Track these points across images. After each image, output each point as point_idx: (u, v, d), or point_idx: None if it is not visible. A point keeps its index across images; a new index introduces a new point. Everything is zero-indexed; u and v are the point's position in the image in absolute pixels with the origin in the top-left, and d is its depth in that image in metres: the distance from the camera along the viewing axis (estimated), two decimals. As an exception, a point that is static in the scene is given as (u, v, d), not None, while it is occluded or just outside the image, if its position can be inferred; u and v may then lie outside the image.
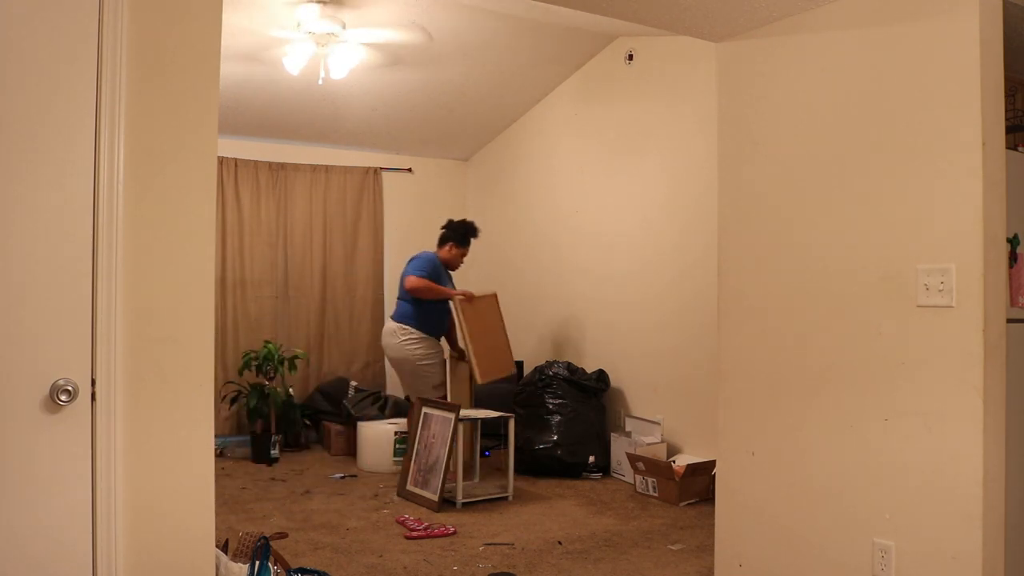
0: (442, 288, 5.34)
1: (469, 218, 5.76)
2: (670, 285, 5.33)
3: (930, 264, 2.47)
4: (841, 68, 2.78)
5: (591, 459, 5.43)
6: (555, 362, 5.80)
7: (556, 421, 5.44)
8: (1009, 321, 2.49)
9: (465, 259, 5.64)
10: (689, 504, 4.73)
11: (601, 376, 5.72)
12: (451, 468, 4.74)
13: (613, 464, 5.59)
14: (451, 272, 5.58)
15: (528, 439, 5.43)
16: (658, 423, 5.37)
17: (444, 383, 5.40)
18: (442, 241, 5.59)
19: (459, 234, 5.56)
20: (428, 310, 5.36)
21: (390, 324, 5.49)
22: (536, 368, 5.80)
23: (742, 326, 3.14)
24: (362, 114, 6.44)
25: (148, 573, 2.05)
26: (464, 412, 5.06)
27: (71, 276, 1.93)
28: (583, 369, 5.80)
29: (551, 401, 5.50)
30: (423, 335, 5.35)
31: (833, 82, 2.80)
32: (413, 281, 5.28)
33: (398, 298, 5.53)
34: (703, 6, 2.88)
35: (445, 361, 5.43)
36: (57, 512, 1.92)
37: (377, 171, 7.21)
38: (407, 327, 5.35)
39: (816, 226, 2.85)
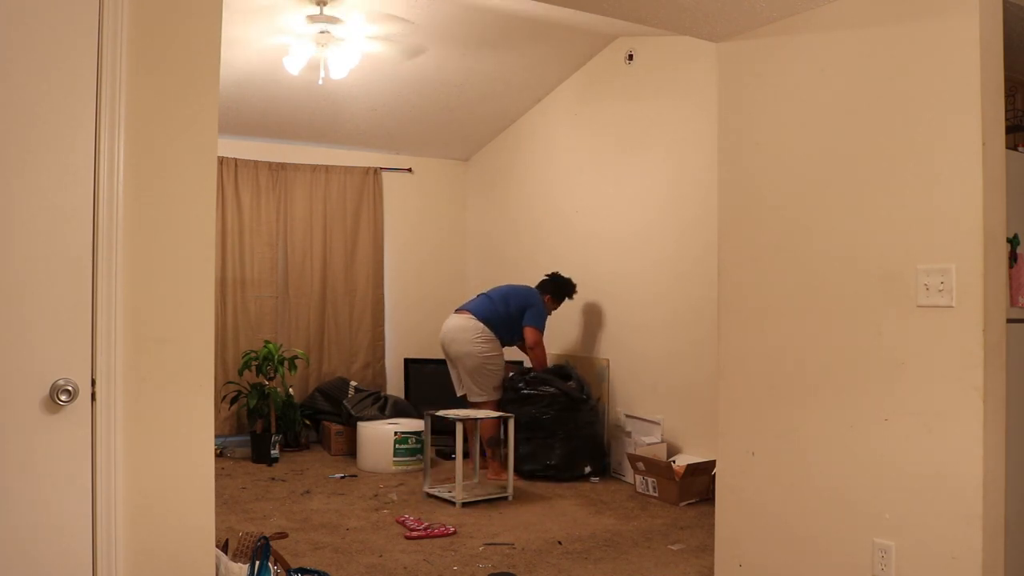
0: (544, 361, 5.68)
1: (564, 274, 5.85)
2: (670, 285, 5.33)
3: (930, 264, 2.47)
4: (841, 68, 2.78)
5: (587, 469, 5.43)
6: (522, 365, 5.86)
7: (545, 442, 5.39)
8: (1009, 321, 2.49)
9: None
10: (689, 504, 4.73)
11: (563, 372, 5.73)
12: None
13: (613, 464, 5.59)
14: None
15: (519, 460, 5.33)
16: (658, 423, 5.37)
17: (502, 386, 5.57)
18: (542, 288, 5.76)
19: (558, 290, 5.75)
20: (512, 325, 5.59)
21: (468, 320, 5.51)
22: (521, 379, 5.71)
23: (742, 326, 3.14)
24: (362, 114, 6.44)
25: (148, 573, 2.05)
26: (465, 413, 5.06)
27: (71, 276, 1.93)
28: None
29: (538, 420, 5.44)
30: (495, 338, 5.53)
31: (833, 82, 2.80)
32: (534, 338, 5.59)
33: (491, 300, 5.64)
34: (703, 6, 2.88)
35: (505, 364, 5.62)
36: (57, 512, 1.92)
37: (377, 171, 7.21)
38: (487, 329, 5.50)
39: (816, 226, 2.85)
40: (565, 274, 5.84)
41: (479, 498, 4.82)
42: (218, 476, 3.77)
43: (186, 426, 2.11)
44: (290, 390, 6.30)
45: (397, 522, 4.37)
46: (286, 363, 6.17)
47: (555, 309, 5.80)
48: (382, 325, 7.19)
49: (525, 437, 5.37)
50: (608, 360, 5.85)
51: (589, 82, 6.10)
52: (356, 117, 6.49)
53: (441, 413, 5.05)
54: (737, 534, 3.14)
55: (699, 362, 4.94)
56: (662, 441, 5.27)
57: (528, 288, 5.76)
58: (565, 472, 5.36)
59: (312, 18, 4.77)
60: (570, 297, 5.80)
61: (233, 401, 6.16)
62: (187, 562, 2.12)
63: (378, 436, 5.71)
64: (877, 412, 2.62)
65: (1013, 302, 2.63)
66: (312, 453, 6.30)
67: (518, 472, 5.25)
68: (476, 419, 5.03)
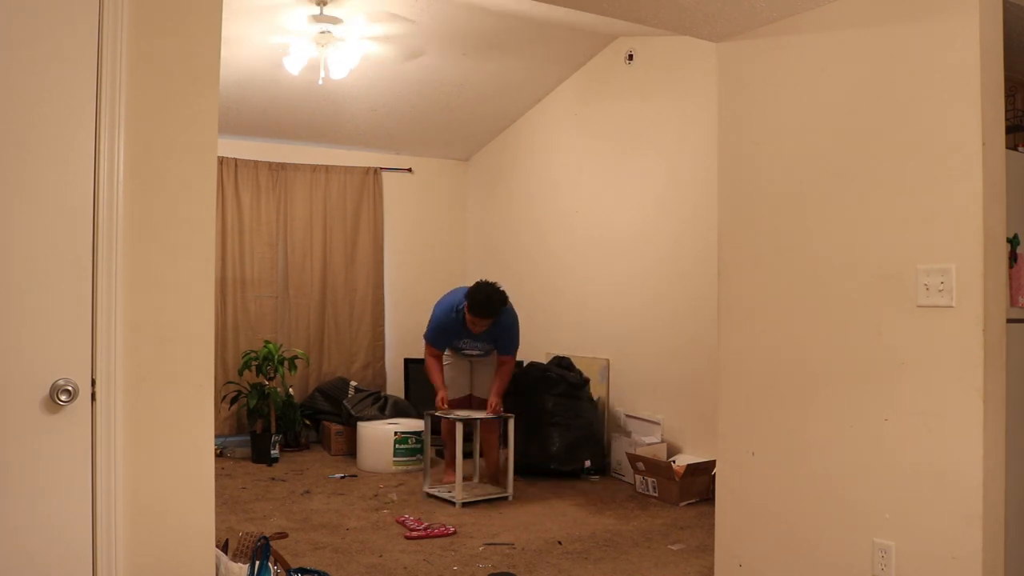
0: (433, 376, 5.10)
1: (491, 281, 5.02)
2: (670, 285, 5.33)
3: (930, 264, 2.47)
4: (841, 68, 2.78)
5: (587, 463, 5.43)
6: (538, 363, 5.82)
7: (547, 432, 5.41)
8: (1009, 321, 2.49)
9: (478, 327, 4.92)
10: (689, 504, 4.73)
11: (564, 362, 5.73)
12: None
13: (613, 464, 5.59)
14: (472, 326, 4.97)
15: (522, 450, 5.37)
16: (658, 423, 5.37)
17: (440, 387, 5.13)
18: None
19: (469, 300, 4.87)
20: (438, 320, 5.08)
21: None
22: (522, 369, 5.76)
23: (742, 326, 3.14)
24: (362, 114, 6.44)
25: (148, 573, 2.05)
26: (466, 413, 5.06)
27: (71, 276, 1.93)
28: (564, 362, 5.81)
29: (539, 408, 5.46)
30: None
31: (833, 82, 2.80)
32: (425, 341, 5.15)
33: None
34: (703, 6, 2.88)
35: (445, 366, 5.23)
36: (57, 512, 1.92)
37: (377, 171, 7.21)
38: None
39: (816, 226, 2.85)
40: (503, 285, 5.06)
41: (479, 498, 4.82)
42: (218, 476, 3.77)
43: (186, 426, 2.11)
44: (290, 390, 6.30)
45: (397, 522, 4.37)
46: (286, 363, 6.17)
47: (475, 323, 4.88)
48: (382, 325, 7.19)
49: (526, 426, 5.39)
50: (608, 360, 5.85)
51: (589, 82, 6.10)
52: (356, 117, 6.49)
53: (439, 413, 5.05)
54: (737, 534, 3.14)
55: (699, 362, 4.94)
56: (662, 441, 5.27)
57: (451, 292, 5.22)
58: (566, 464, 5.37)
59: (312, 18, 4.78)
60: (481, 311, 4.82)
61: (233, 401, 6.16)
62: (187, 562, 2.12)
63: (378, 436, 5.71)
64: (877, 412, 2.62)
65: (1013, 302, 2.63)
66: (312, 453, 6.30)
67: (519, 466, 5.25)
68: (475, 419, 5.03)
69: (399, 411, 6.27)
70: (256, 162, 6.72)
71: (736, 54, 3.17)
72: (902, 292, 2.55)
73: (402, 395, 6.87)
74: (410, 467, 5.67)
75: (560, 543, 4.04)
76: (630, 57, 5.69)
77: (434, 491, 4.95)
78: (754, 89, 3.11)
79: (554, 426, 5.40)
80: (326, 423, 6.42)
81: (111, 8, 1.96)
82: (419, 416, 6.14)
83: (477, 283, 4.97)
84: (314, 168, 6.96)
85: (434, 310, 5.16)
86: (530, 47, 5.69)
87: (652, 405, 5.47)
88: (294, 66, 4.98)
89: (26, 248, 1.88)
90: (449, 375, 5.23)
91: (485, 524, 4.37)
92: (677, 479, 4.73)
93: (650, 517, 4.52)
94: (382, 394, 6.55)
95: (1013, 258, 2.65)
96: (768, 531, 3.00)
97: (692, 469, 4.74)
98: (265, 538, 2.82)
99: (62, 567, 1.93)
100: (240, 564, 2.73)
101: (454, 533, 4.18)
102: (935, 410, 2.46)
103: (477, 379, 5.36)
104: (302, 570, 3.28)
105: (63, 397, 1.87)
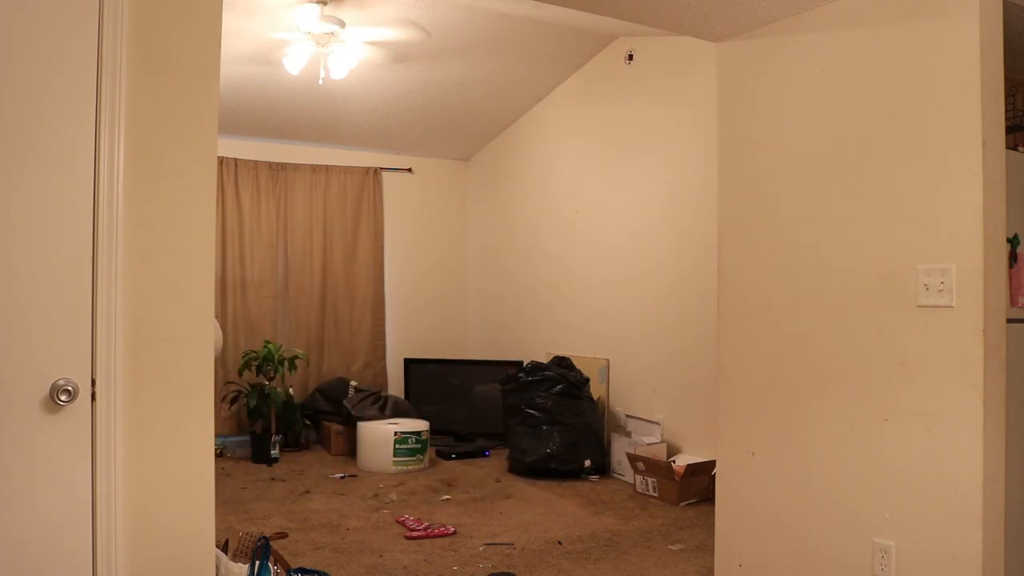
0: None
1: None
2: (670, 285, 5.33)
3: (930, 264, 2.48)
4: (841, 68, 2.78)
5: (587, 463, 5.43)
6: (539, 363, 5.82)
7: (545, 431, 5.40)
8: (1009, 321, 2.49)
9: None
10: (689, 504, 4.73)
11: (564, 362, 5.72)
12: None
13: (613, 464, 5.59)
14: None
15: (521, 450, 5.41)
16: (658, 423, 5.37)
17: None
18: None
19: None
20: None
21: None
22: (522, 368, 5.78)
23: (742, 326, 3.14)
24: (362, 114, 6.45)
25: (148, 573, 2.05)
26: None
27: (71, 276, 1.93)
28: (562, 363, 5.80)
29: (539, 407, 5.47)
30: None
31: (833, 82, 2.80)
32: None
33: None
34: (703, 6, 2.88)
35: None
36: (57, 512, 1.92)
37: (377, 171, 7.22)
38: None
39: (816, 226, 2.85)
40: None
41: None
42: (218, 476, 3.76)
43: (186, 426, 2.11)
44: (290, 390, 6.31)
45: (397, 522, 4.37)
46: (286, 363, 6.18)
47: None
48: (382, 325, 7.19)
49: (526, 426, 5.39)
50: (608, 360, 5.85)
51: (589, 82, 6.10)
52: (356, 117, 6.49)
53: None
54: (737, 534, 3.14)
55: (699, 362, 4.94)
56: (662, 441, 5.27)
57: None
58: (566, 464, 5.36)
59: (312, 18, 4.77)
60: None
61: (233, 401, 6.16)
62: (187, 562, 2.12)
63: (378, 436, 5.71)
64: (877, 412, 2.62)
65: (1013, 302, 2.63)
66: (312, 453, 6.30)
67: (520, 467, 5.24)
68: None
69: (399, 411, 6.27)
70: (256, 162, 6.72)
71: (736, 54, 3.17)
72: (902, 292, 2.55)
73: (402, 395, 6.87)
74: (410, 467, 5.67)
75: (560, 543, 4.04)
76: (630, 57, 5.69)
77: None
78: (754, 89, 3.11)
79: (554, 426, 5.40)
80: (326, 423, 6.42)
81: (111, 8, 1.96)
82: (419, 416, 6.15)
83: None
84: (314, 168, 6.96)
85: None
86: (530, 47, 5.69)
87: (652, 405, 5.47)
88: (294, 66, 4.98)
89: (26, 248, 1.88)
90: None
91: (485, 524, 4.37)
92: (677, 479, 4.73)
93: (650, 517, 4.52)
94: (382, 394, 6.55)
95: (1013, 258, 2.65)
96: (768, 531, 3.00)
97: (692, 469, 4.74)
98: (265, 538, 2.82)
99: (62, 567, 1.93)
100: (240, 564, 2.73)
101: (454, 533, 4.18)
102: (935, 410, 2.46)
103: None
104: (302, 570, 3.28)
105: (63, 397, 1.87)
